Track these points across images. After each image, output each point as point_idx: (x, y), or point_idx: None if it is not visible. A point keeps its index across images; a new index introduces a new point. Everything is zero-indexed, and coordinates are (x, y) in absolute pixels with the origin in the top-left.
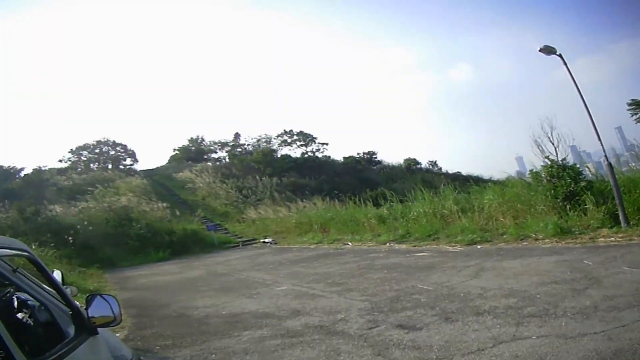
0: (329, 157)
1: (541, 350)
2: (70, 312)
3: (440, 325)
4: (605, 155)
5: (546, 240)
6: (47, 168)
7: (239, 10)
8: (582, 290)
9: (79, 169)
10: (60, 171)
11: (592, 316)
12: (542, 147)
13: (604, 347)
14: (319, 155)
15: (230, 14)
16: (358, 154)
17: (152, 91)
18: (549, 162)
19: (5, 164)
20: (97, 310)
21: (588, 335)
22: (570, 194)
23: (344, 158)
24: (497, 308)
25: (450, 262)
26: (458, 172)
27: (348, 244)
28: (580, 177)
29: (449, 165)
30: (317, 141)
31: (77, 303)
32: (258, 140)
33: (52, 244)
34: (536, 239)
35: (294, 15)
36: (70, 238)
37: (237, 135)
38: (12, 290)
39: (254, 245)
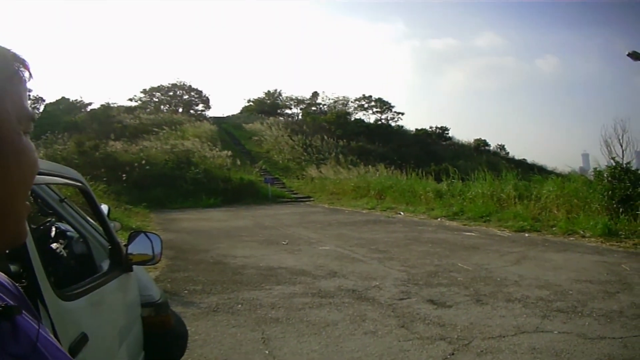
0: (402, 126)
1: (558, 347)
2: (110, 247)
3: (470, 306)
4: None
5: (592, 239)
6: (115, 105)
7: None
8: (613, 293)
9: (148, 109)
10: (128, 109)
11: (615, 320)
12: (610, 148)
13: (617, 353)
14: (392, 124)
15: None
16: (430, 127)
17: (236, 39)
18: (614, 163)
19: (73, 97)
20: (137, 247)
21: (606, 339)
22: (626, 197)
23: (416, 130)
24: (529, 298)
25: (495, 245)
26: (524, 159)
27: (400, 214)
28: None
29: (516, 151)
30: (393, 110)
31: (119, 239)
32: (335, 102)
33: (104, 179)
34: (583, 236)
35: None
36: (124, 175)
37: (315, 94)
38: (53, 219)
39: (308, 202)
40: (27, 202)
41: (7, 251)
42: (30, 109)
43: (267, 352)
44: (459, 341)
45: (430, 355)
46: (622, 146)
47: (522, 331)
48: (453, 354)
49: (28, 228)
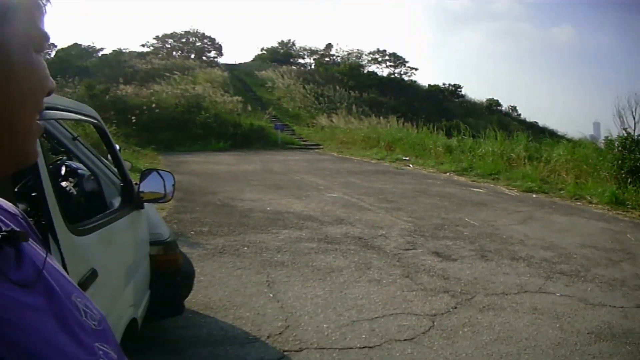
0: (415, 81)
1: (560, 309)
2: (122, 185)
3: (475, 261)
4: None
5: (599, 206)
6: (127, 50)
7: None
8: (616, 261)
9: (160, 55)
10: (140, 55)
11: (617, 289)
12: (623, 119)
13: (617, 322)
14: (405, 78)
15: None
16: (443, 84)
17: None
18: (626, 134)
19: (85, 43)
20: (149, 185)
21: (607, 307)
22: (635, 168)
23: (429, 85)
24: (533, 258)
25: (502, 203)
26: (535, 121)
27: (409, 166)
28: None
29: (527, 113)
30: (407, 65)
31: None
32: (349, 54)
33: (114, 122)
34: (590, 202)
35: None
36: (133, 118)
37: (329, 46)
38: (64, 158)
39: (317, 150)
40: (39, 122)
41: (19, 185)
42: (44, 29)
43: (271, 295)
44: (462, 295)
45: (433, 307)
46: (634, 118)
47: (525, 290)
48: (456, 307)
49: (40, 149)
